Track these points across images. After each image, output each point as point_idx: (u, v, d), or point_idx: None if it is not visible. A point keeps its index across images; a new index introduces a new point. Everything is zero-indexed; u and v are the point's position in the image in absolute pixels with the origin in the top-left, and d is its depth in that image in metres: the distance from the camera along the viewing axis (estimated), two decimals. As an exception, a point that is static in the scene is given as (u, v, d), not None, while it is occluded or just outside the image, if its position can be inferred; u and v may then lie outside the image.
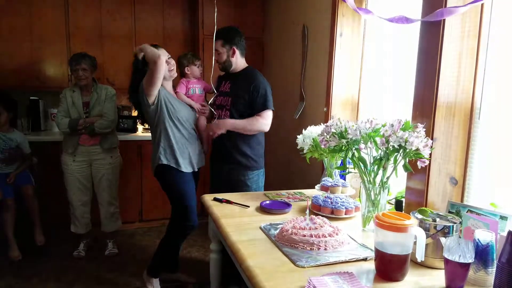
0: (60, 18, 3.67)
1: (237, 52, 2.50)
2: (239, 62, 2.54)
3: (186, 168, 2.49)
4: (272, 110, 2.48)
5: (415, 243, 1.23)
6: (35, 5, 3.59)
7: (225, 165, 2.54)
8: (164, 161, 2.46)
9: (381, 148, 1.54)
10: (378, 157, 1.57)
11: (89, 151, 3.10)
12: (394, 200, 1.93)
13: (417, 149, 1.47)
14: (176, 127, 2.45)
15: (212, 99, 2.62)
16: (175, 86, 2.66)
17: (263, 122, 2.44)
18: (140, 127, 4.02)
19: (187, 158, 2.50)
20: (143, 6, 3.90)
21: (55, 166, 3.22)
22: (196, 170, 2.59)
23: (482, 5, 1.63)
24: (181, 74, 2.70)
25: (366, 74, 2.69)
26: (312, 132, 2.14)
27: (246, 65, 2.59)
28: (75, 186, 3.14)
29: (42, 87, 3.73)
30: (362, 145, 1.60)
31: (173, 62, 2.49)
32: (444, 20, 1.63)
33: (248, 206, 1.94)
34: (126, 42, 3.87)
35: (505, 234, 1.10)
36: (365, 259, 1.36)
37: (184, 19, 4.06)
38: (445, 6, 1.62)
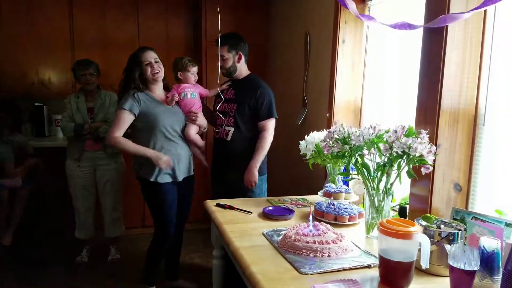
0: (65, 25, 3.71)
1: (243, 57, 2.51)
2: (243, 68, 2.55)
3: (163, 179, 2.42)
4: (276, 118, 2.50)
5: (419, 250, 1.22)
6: (40, 13, 3.63)
7: (228, 171, 2.53)
8: (139, 174, 2.46)
9: (384, 154, 1.53)
10: (382, 163, 1.56)
11: (94, 156, 3.10)
12: (398, 207, 1.92)
13: (421, 155, 1.47)
14: (155, 136, 2.38)
15: (218, 106, 2.58)
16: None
17: (270, 135, 2.49)
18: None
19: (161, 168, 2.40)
20: (147, 14, 3.92)
21: (59, 171, 3.22)
22: (180, 180, 2.50)
23: (485, 11, 1.63)
24: (175, 77, 2.57)
25: (369, 80, 2.69)
26: (314, 138, 2.14)
27: (249, 72, 2.59)
28: (80, 192, 3.14)
29: (47, 93, 3.76)
30: (365, 151, 1.59)
31: (157, 66, 2.41)
32: (447, 26, 1.63)
33: (251, 212, 1.94)
34: (130, 49, 3.86)
35: (510, 241, 1.09)
36: (369, 266, 1.35)
37: (187, 27, 4.08)
38: (448, 12, 1.62)
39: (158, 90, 2.49)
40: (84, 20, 3.76)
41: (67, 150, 3.15)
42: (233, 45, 2.47)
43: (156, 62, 2.42)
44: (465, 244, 1.31)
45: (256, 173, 2.44)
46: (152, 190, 2.45)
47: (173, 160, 2.43)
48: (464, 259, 1.11)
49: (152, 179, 2.40)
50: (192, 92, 2.52)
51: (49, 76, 3.73)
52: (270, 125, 2.49)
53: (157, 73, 2.41)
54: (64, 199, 3.28)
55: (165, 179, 2.44)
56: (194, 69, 2.54)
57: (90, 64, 3.03)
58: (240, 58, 2.50)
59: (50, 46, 3.69)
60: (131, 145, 2.38)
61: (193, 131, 2.51)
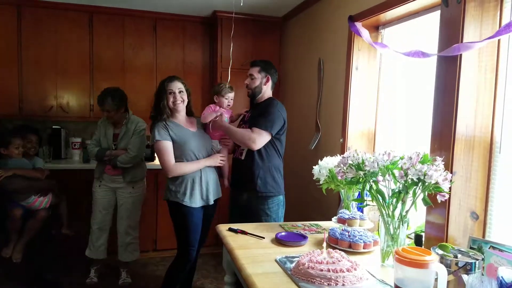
0: (85, 50, 3.82)
1: (270, 81, 2.58)
2: (267, 92, 2.61)
3: (192, 203, 2.46)
4: (271, 135, 2.43)
5: (436, 280, 1.20)
6: (61, 37, 3.75)
7: (244, 193, 2.54)
8: (169, 197, 2.50)
9: (399, 181, 1.52)
10: (397, 190, 1.55)
11: (113, 179, 3.17)
12: (413, 235, 1.89)
13: (437, 183, 1.45)
14: (184, 161, 2.45)
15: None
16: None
17: (252, 138, 2.37)
18: (157, 156, 4.07)
19: (196, 192, 2.47)
20: (164, 41, 4.04)
21: (73, 193, 3.25)
22: (211, 203, 2.55)
23: (498, 40, 1.65)
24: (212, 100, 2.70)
25: (383, 106, 2.70)
26: (328, 163, 2.13)
27: (271, 96, 2.65)
28: (98, 209, 3.21)
29: (65, 116, 3.85)
30: (380, 177, 1.58)
31: (179, 96, 2.47)
32: (460, 54, 1.64)
33: (264, 238, 1.92)
34: (147, 74, 3.99)
35: (531, 272, 1.06)
36: (384, 296, 1.32)
37: (203, 53, 4.18)
38: (462, 41, 1.63)
39: (181, 116, 2.56)
40: (103, 45, 3.88)
41: (95, 169, 3.27)
42: (264, 67, 2.57)
43: (180, 92, 2.48)
44: (483, 274, 1.28)
45: (223, 123, 2.51)
46: (183, 214, 2.48)
47: (203, 184, 2.50)
48: (483, 290, 1.08)
49: (185, 204, 2.44)
50: (225, 116, 2.62)
51: (67, 100, 3.83)
52: (259, 134, 2.38)
53: (179, 103, 2.48)
54: (76, 221, 3.30)
55: (197, 203, 2.49)
56: (230, 95, 2.64)
57: (105, 100, 3.01)
58: (267, 81, 2.58)
59: (70, 70, 3.80)
60: (189, 165, 2.46)
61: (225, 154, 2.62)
